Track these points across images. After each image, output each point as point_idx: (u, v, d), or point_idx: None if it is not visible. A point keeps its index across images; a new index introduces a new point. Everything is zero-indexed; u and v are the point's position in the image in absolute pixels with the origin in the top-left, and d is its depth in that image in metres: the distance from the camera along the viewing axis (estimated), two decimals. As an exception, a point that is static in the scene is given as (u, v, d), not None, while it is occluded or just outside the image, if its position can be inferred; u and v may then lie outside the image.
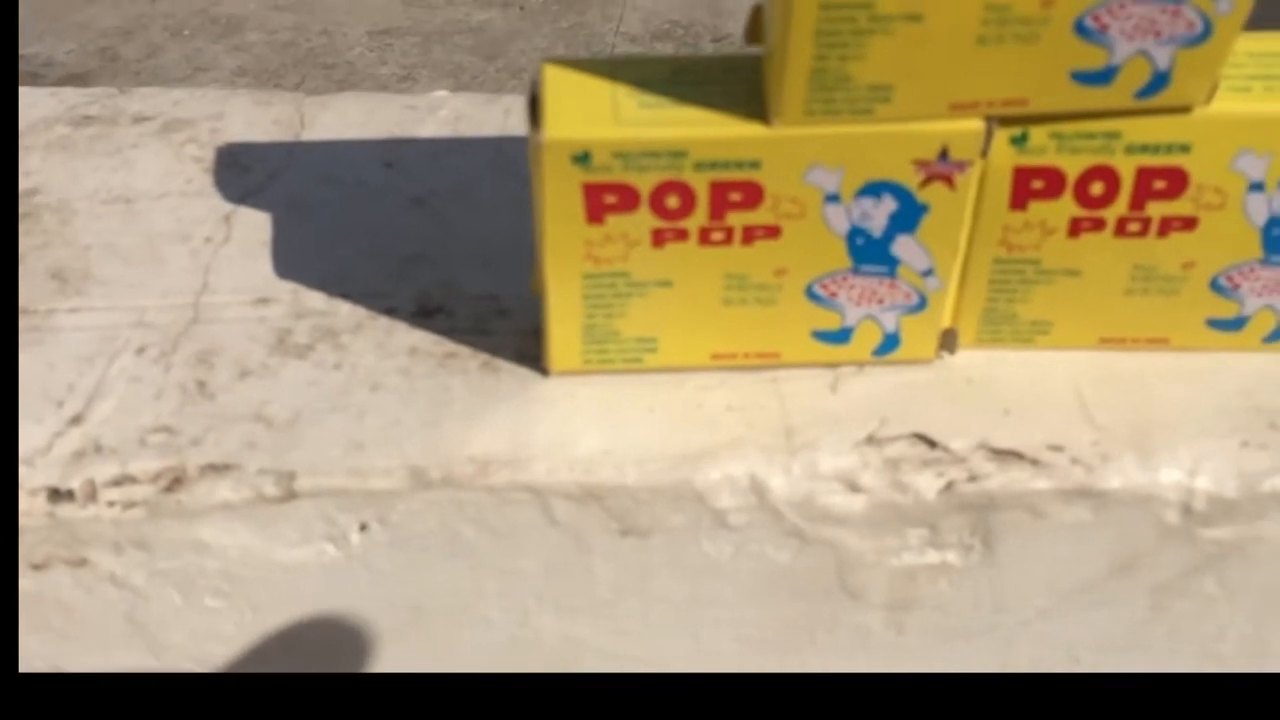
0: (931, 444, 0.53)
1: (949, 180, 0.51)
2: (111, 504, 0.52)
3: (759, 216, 0.51)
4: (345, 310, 0.60)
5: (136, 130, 0.73)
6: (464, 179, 0.69)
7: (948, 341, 0.57)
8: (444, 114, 0.74)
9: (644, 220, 0.51)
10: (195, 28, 3.56)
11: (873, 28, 0.46)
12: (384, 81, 3.28)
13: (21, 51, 3.37)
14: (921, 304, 0.55)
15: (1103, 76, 0.48)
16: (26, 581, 0.54)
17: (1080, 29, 0.47)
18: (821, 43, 0.46)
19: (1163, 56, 0.48)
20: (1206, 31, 0.47)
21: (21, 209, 0.67)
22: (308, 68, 3.41)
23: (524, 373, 0.56)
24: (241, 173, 0.69)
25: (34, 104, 0.75)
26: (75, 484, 0.52)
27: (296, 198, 0.67)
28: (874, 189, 0.51)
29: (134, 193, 0.68)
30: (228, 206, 0.67)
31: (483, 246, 0.64)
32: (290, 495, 0.52)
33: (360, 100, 0.76)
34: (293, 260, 0.63)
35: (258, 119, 0.74)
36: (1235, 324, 0.57)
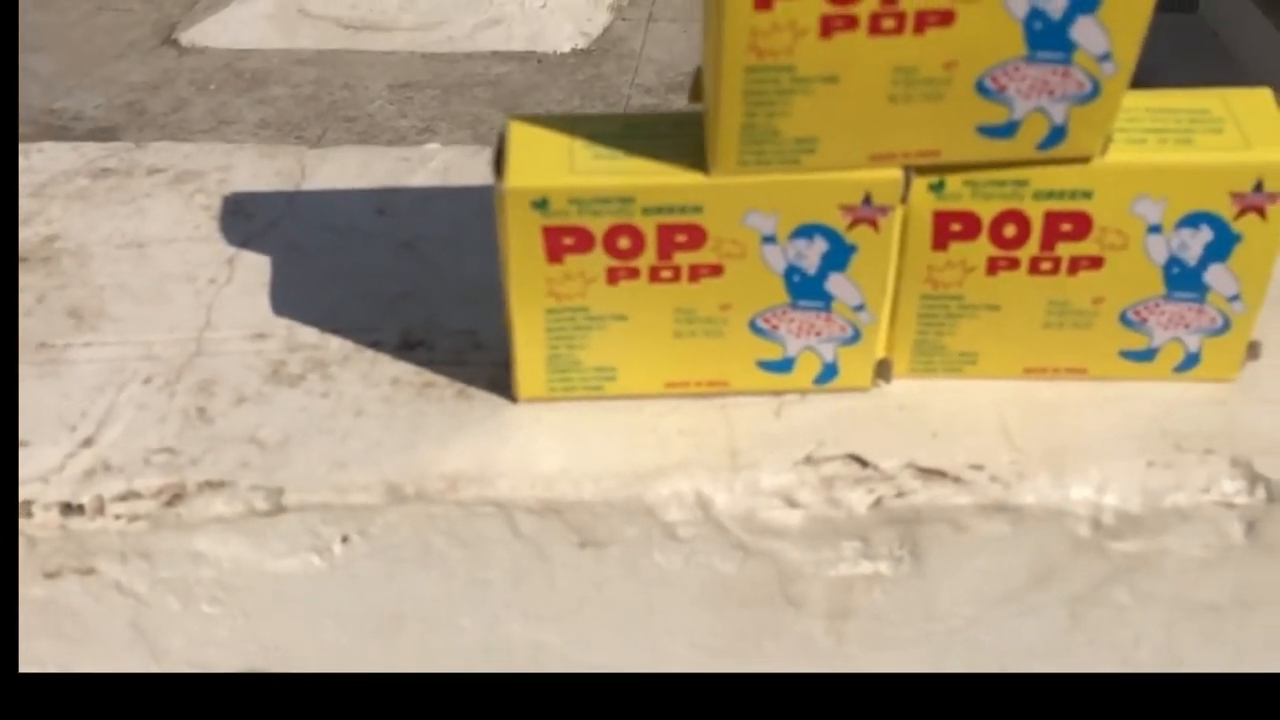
0: (864, 464, 0.58)
1: (873, 223, 0.56)
2: (118, 517, 0.57)
3: (703, 256, 0.57)
4: (335, 344, 0.65)
5: (150, 181, 0.79)
6: (451, 225, 0.75)
7: (883, 371, 0.62)
8: (434, 165, 0.80)
9: (599, 260, 0.57)
10: (221, 82, 3.66)
11: (794, 88, 0.52)
12: (403, 133, 3.37)
13: (51, 106, 3.48)
14: (856, 336, 0.60)
15: (1005, 130, 0.54)
16: (40, 590, 0.59)
17: (981, 89, 0.52)
18: (750, 101, 0.52)
19: (1058, 113, 0.53)
20: (1095, 91, 0.53)
21: (42, 253, 0.73)
22: (329, 120, 3.50)
23: (495, 400, 0.62)
24: (245, 219, 0.75)
25: (57, 158, 0.82)
26: (85, 499, 0.57)
27: (294, 242, 0.73)
28: (806, 231, 0.56)
29: (146, 238, 0.74)
30: (231, 250, 0.72)
31: (464, 286, 0.69)
32: (279, 509, 0.57)
33: (357, 153, 0.82)
34: (289, 299, 0.68)
35: (262, 170, 0.80)
36: (1146, 355, 0.62)
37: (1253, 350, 0.62)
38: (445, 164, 0.80)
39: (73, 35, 3.90)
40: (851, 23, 0.50)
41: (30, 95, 3.51)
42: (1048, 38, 0.51)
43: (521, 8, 3.75)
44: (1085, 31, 0.51)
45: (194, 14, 3.92)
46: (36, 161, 0.81)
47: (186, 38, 3.81)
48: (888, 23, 0.50)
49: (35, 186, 0.78)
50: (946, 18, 0.50)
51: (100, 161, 0.81)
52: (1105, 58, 0.52)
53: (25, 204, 0.77)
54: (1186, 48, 3.69)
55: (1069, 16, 0.50)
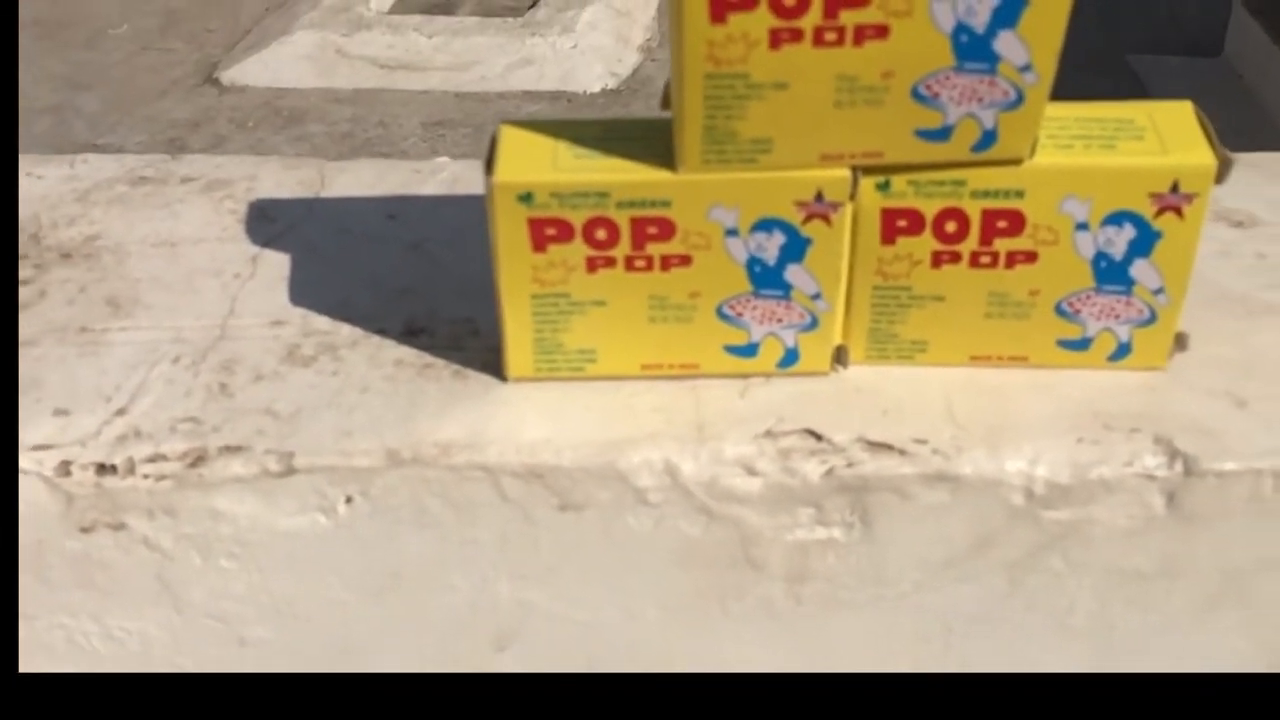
0: (818, 437, 0.65)
1: (826, 218, 0.62)
2: (146, 476, 0.64)
3: (673, 247, 0.63)
4: (345, 330, 0.72)
5: (183, 189, 0.86)
6: (456, 229, 0.81)
7: (840, 357, 0.68)
8: (443, 176, 0.87)
9: (579, 249, 0.63)
10: (259, 119, 3.77)
11: (749, 93, 0.58)
12: (435, 170, 3.45)
13: (94, 141, 3.59)
14: (814, 323, 0.66)
15: (941, 134, 0.60)
16: (75, 543, 0.66)
17: (916, 95, 0.59)
18: (709, 105, 0.59)
19: (988, 118, 0.59)
20: (1019, 98, 0.59)
21: (85, 250, 0.80)
22: (363, 156, 3.59)
23: (488, 379, 0.68)
24: (268, 223, 0.82)
25: (100, 167, 0.89)
26: (118, 460, 0.64)
27: (312, 243, 0.80)
28: (765, 225, 0.63)
29: (178, 238, 0.81)
30: (254, 249, 0.79)
31: (465, 282, 0.76)
32: (290, 471, 0.64)
33: (373, 165, 0.89)
34: (305, 291, 0.75)
35: (285, 180, 0.87)
36: (1081, 344, 0.67)
37: (1180, 342, 0.68)
38: (453, 176, 0.87)
39: (117, 74, 4.02)
40: (797, 35, 0.56)
41: (75, 131, 3.63)
42: (973, 50, 0.57)
43: (553, 49, 3.84)
44: (1007, 44, 0.57)
45: (235, 54, 4.04)
46: (81, 170, 0.88)
47: (227, 77, 3.92)
48: (829, 35, 0.56)
49: (80, 192, 0.86)
50: (882, 31, 0.56)
51: (139, 171, 0.88)
52: (1026, 68, 0.58)
53: (70, 207, 0.84)
54: (1210, 90, 3.74)
55: (991, 31, 0.56)
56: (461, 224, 0.82)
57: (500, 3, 4.32)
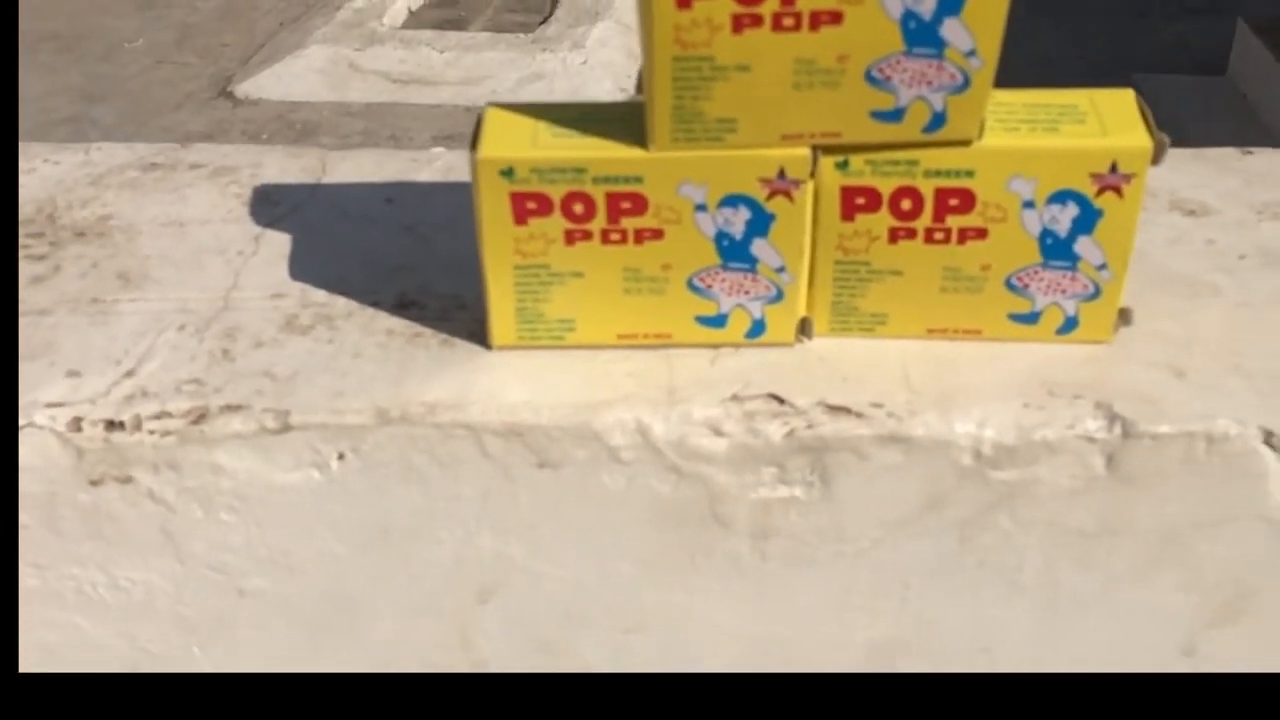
0: (781, 401, 0.69)
1: (788, 194, 0.67)
2: (151, 432, 0.68)
3: (646, 221, 0.68)
4: (340, 303, 0.77)
5: (192, 174, 0.91)
6: (449, 213, 0.86)
7: (805, 328, 0.73)
8: (439, 165, 0.92)
9: (557, 223, 0.68)
10: (273, 132, 3.83)
11: (714, 75, 0.63)
12: (444, 182, 3.50)
13: (111, 150, 3.63)
14: (779, 295, 0.71)
15: (894, 116, 0.65)
16: (85, 496, 0.70)
17: (870, 79, 0.63)
18: (677, 86, 0.63)
19: (937, 101, 0.64)
20: (966, 82, 0.63)
21: (98, 229, 0.85)
22: (373, 169, 3.64)
23: (473, 348, 0.73)
24: (271, 206, 0.87)
25: (113, 154, 0.94)
26: (126, 417, 0.69)
27: (312, 224, 0.85)
28: (731, 200, 0.67)
29: (186, 219, 0.85)
30: (258, 230, 0.84)
31: (456, 261, 0.80)
32: (286, 428, 0.68)
33: (373, 154, 0.94)
34: (304, 268, 0.80)
35: (289, 166, 0.91)
36: (1031, 318, 0.72)
37: (1124, 316, 0.72)
38: (448, 165, 0.92)
39: (133, 87, 4.09)
40: (757, 20, 0.61)
41: (91, 142, 3.70)
42: (921, 36, 0.62)
43: (563, 64, 3.90)
44: (952, 31, 0.61)
45: (249, 68, 4.10)
46: (96, 156, 0.93)
47: (241, 90, 3.98)
48: (787, 20, 0.61)
49: (94, 176, 0.91)
50: (836, 17, 0.61)
51: (150, 158, 0.93)
52: (971, 54, 0.62)
53: (84, 190, 0.89)
54: (1215, 108, 3.79)
55: (937, 18, 0.61)
56: (454, 208, 0.86)
57: (512, 19, 4.39)
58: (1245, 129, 3.53)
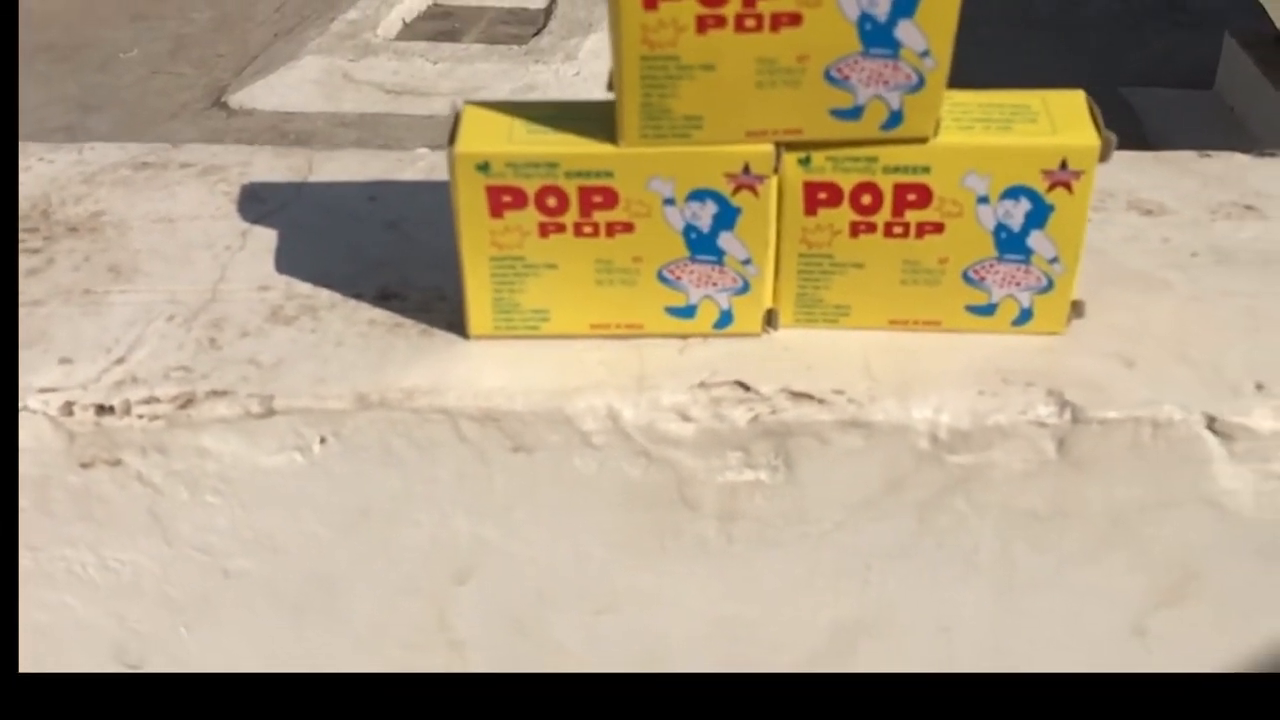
0: (746, 388, 0.72)
1: (753, 189, 0.70)
2: (140, 416, 0.71)
3: (616, 215, 0.71)
4: (324, 295, 0.79)
5: (181, 173, 0.94)
6: (430, 210, 0.89)
7: (771, 319, 0.75)
8: (421, 165, 0.95)
9: (532, 216, 0.71)
10: (266, 141, 3.85)
11: (680, 74, 0.66)
12: (436, 192, 3.53)
13: (105, 159, 3.65)
14: (746, 287, 0.73)
15: (853, 114, 0.67)
16: (76, 478, 0.73)
17: (829, 78, 0.66)
18: (645, 84, 0.66)
19: (894, 100, 0.67)
20: (921, 82, 0.66)
21: (90, 225, 0.87)
22: (366, 179, 3.66)
23: (452, 337, 0.76)
24: (258, 203, 0.89)
25: (105, 154, 0.97)
26: (115, 402, 0.71)
27: (298, 220, 0.87)
28: (699, 195, 0.70)
29: (175, 215, 0.88)
30: (245, 226, 0.87)
31: (437, 256, 0.83)
32: (269, 413, 0.71)
33: (358, 154, 0.96)
34: (289, 261, 0.83)
35: (276, 165, 0.94)
36: (987, 310, 0.75)
37: (1077, 309, 0.75)
38: (431, 165, 0.95)
39: (128, 97, 4.11)
40: (720, 21, 0.64)
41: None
42: (877, 37, 0.65)
43: (556, 75, 3.93)
44: (907, 32, 0.64)
45: (243, 78, 4.13)
46: (89, 155, 0.96)
47: (235, 100, 4.01)
48: (749, 21, 0.64)
49: (87, 175, 0.93)
50: (795, 19, 0.64)
51: (141, 157, 0.96)
52: (925, 54, 0.65)
53: (77, 188, 0.92)
54: (1202, 121, 3.83)
55: (892, 20, 0.64)
56: (436, 206, 0.88)
57: (505, 31, 4.42)
58: (1232, 141, 3.57)
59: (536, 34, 4.20)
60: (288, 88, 4.04)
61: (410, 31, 4.44)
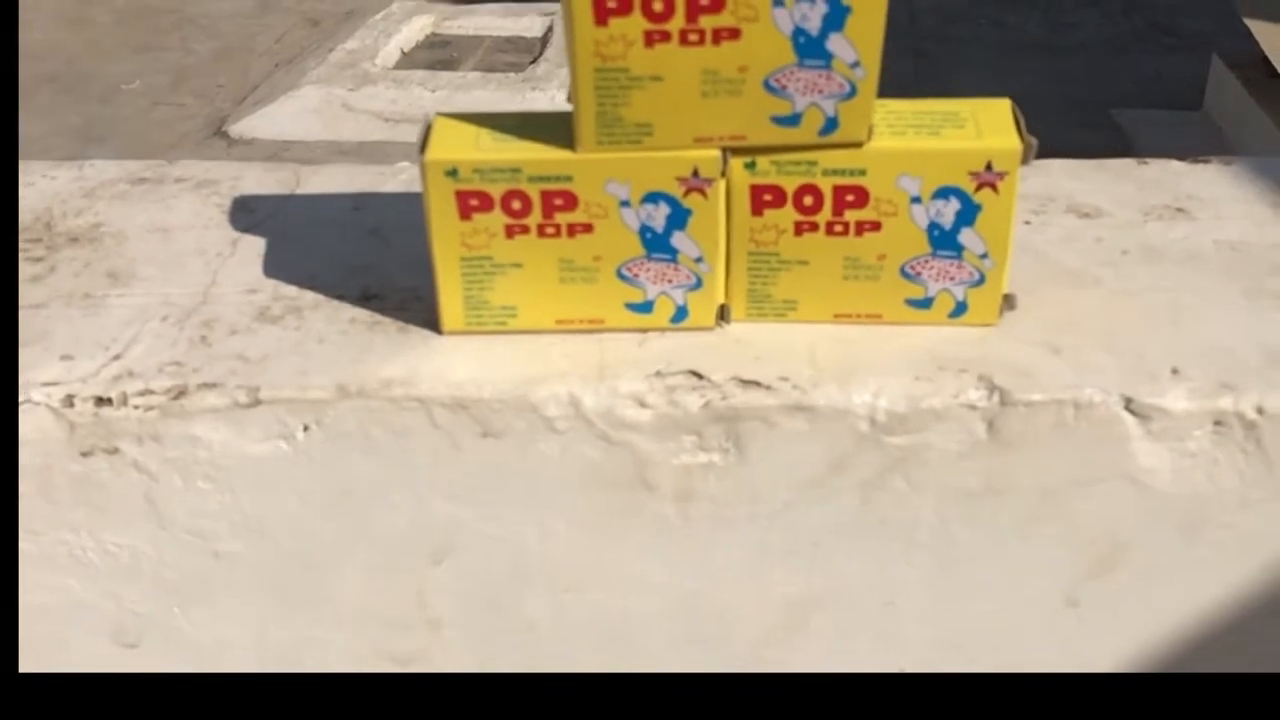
0: (699, 376, 0.77)
1: (702, 191, 0.75)
2: (136, 407, 0.77)
3: (577, 216, 0.76)
4: (309, 296, 0.85)
5: (177, 187, 1.00)
6: (409, 218, 0.94)
7: (724, 314, 0.81)
8: (403, 177, 1.00)
9: (498, 218, 0.76)
10: (266, 170, 3.90)
11: (631, 85, 0.71)
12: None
13: (108, 188, 3.72)
14: (699, 284, 0.79)
15: (792, 120, 0.73)
16: (77, 466, 0.78)
17: (768, 87, 0.72)
18: (599, 94, 0.72)
19: (829, 107, 0.73)
20: (853, 90, 0.72)
21: (90, 235, 0.93)
22: (364, 205, 3.72)
23: (427, 334, 0.81)
24: (248, 213, 0.95)
25: (104, 170, 1.02)
26: (113, 394, 0.77)
27: (286, 229, 0.93)
28: (652, 197, 0.76)
29: (170, 225, 0.94)
30: (235, 234, 0.93)
31: (414, 260, 0.88)
32: (256, 402, 0.76)
33: (344, 169, 1.02)
34: (277, 267, 0.88)
35: (265, 180, 1.00)
36: (925, 303, 0.80)
37: (1010, 302, 0.80)
38: (411, 177, 1.00)
39: (130, 128, 4.18)
40: (666, 36, 0.70)
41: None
42: (810, 49, 0.70)
43: (552, 102, 3.99)
44: (837, 45, 0.70)
45: (243, 108, 4.20)
46: (88, 172, 1.02)
47: (236, 130, 4.07)
48: (693, 36, 0.70)
49: (87, 190, 0.99)
50: (735, 33, 0.70)
51: (138, 173, 1.02)
52: (855, 64, 0.71)
53: (78, 202, 0.98)
54: (1192, 141, 3.89)
55: (823, 33, 0.70)
56: (415, 214, 0.93)
57: (502, 59, 4.49)
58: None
59: (533, 62, 4.28)
60: (287, 117, 4.10)
61: (408, 61, 4.51)
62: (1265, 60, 3.57)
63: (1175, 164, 1.01)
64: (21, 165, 1.03)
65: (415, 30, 4.62)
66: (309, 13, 4.94)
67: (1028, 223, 0.92)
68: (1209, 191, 0.97)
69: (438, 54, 4.58)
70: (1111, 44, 4.71)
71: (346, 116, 4.10)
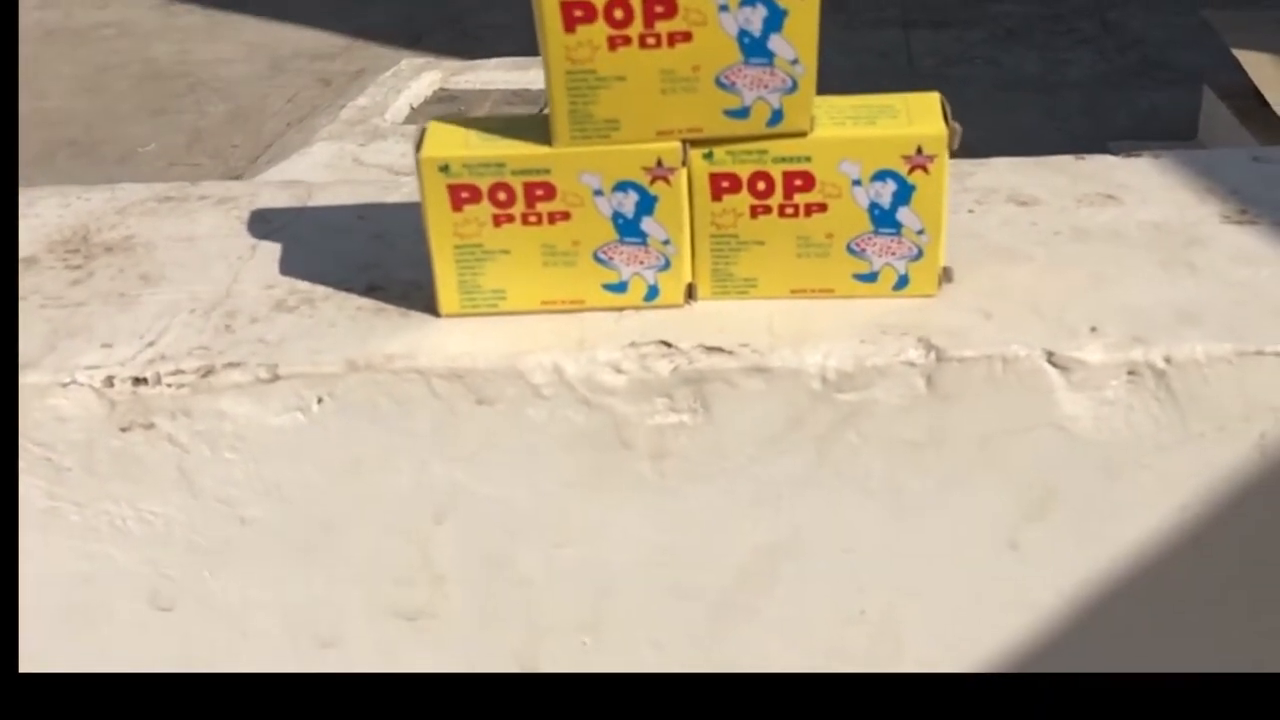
0: (669, 345, 0.86)
1: (667, 180, 0.85)
2: (169, 385, 0.86)
3: (556, 205, 0.86)
4: (320, 290, 0.95)
5: (200, 204, 1.10)
6: (410, 224, 1.03)
7: (691, 292, 0.90)
8: (405, 190, 1.11)
9: (486, 209, 0.86)
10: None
11: (598, 85, 0.81)
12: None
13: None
14: (667, 265, 0.89)
15: (743, 114, 0.83)
16: (117, 441, 0.88)
17: (719, 84, 0.82)
18: (571, 94, 0.82)
19: (774, 101, 0.82)
20: (794, 85, 0.82)
21: (124, 246, 1.03)
22: (376, 254, 3.82)
23: (426, 317, 0.91)
24: (265, 224, 1.05)
25: (134, 191, 1.13)
26: (148, 374, 0.87)
27: (299, 236, 1.03)
28: (622, 186, 0.85)
29: (195, 235, 1.04)
30: (254, 241, 1.03)
31: (415, 258, 0.98)
32: (275, 378, 0.86)
33: (349, 186, 1.12)
34: (292, 266, 0.98)
35: (280, 196, 1.10)
36: (870, 277, 0.89)
37: (947, 274, 0.89)
38: (412, 190, 1.10)
39: (149, 187, 4.29)
40: (627, 40, 0.80)
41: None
42: (754, 49, 0.80)
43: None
44: (778, 44, 0.80)
45: (256, 166, 4.32)
46: (120, 194, 1.12)
47: (250, 185, 4.19)
48: (650, 40, 0.80)
49: (119, 208, 1.10)
50: (687, 36, 0.80)
51: (165, 193, 1.12)
52: (795, 61, 0.81)
53: (111, 218, 1.08)
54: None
55: (765, 34, 0.80)
56: (415, 221, 1.04)
57: (510, 111, 4.61)
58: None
59: (540, 111, 4.38)
60: (300, 173, 4.19)
61: (418, 115, 4.62)
62: (1255, 90, 3.66)
63: (1110, 158, 1.10)
64: (56, 190, 1.13)
65: (424, 85, 4.74)
66: (320, 72, 5.09)
67: (971, 211, 1.02)
68: (1139, 181, 1.06)
69: (446, 108, 4.69)
70: (1106, 80, 4.81)
71: (357, 170, 4.19)
